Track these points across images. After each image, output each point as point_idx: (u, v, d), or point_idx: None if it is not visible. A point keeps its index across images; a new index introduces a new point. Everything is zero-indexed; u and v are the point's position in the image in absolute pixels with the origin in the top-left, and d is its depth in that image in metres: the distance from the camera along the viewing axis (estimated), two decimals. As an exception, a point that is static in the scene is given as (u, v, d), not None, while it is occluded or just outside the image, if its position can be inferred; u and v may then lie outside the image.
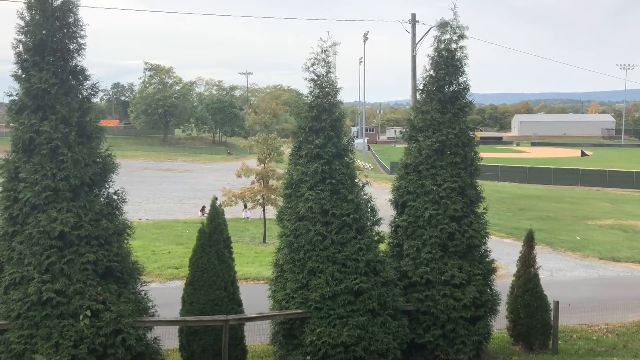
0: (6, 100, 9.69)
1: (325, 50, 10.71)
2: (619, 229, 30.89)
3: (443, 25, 11.72)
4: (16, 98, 9.42)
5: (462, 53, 11.76)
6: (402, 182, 11.88)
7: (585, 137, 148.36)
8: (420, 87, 12.08)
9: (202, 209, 32.27)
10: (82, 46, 9.66)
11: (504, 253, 22.24)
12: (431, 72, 11.86)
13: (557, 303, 12.60)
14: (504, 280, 15.52)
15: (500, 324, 12.48)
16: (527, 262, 12.61)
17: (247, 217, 31.97)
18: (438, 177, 11.47)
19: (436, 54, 11.80)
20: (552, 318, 12.55)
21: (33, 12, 9.33)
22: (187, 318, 10.14)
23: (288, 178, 11.02)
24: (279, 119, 34.47)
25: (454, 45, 11.73)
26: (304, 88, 11.14)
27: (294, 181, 10.79)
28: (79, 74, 9.67)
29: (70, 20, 9.51)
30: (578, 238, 27.42)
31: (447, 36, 11.74)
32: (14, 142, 9.37)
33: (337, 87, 10.86)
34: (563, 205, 40.27)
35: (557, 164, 75.06)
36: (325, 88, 10.78)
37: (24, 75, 9.34)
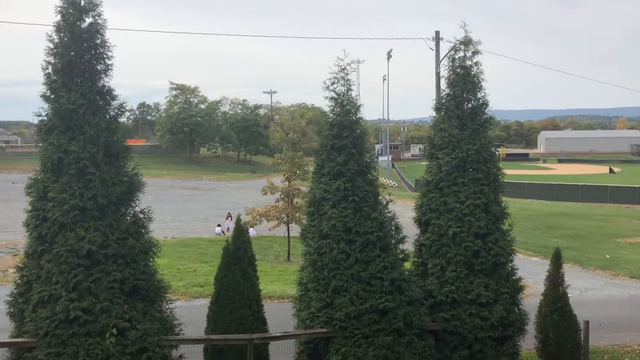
0: (35, 120, 9.89)
1: (343, 69, 10.70)
2: (650, 247, 30.18)
3: (467, 43, 11.71)
4: (45, 118, 9.61)
5: (478, 69, 11.73)
6: (424, 200, 11.79)
7: (614, 153, 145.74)
8: (438, 105, 12.06)
9: (228, 219, 33.08)
10: (110, 67, 9.84)
11: (531, 272, 21.83)
12: (447, 90, 11.86)
13: (587, 323, 12.31)
14: (532, 299, 15.23)
15: (528, 344, 12.22)
16: (555, 281, 12.37)
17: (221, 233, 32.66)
18: (460, 194, 11.36)
19: (452, 72, 11.79)
20: (582, 338, 12.26)
21: (62, 35, 9.52)
22: (212, 337, 10.13)
23: (311, 196, 11.02)
24: (306, 137, 34.57)
25: (468, 62, 11.70)
26: (327, 107, 11.19)
27: (316, 199, 10.79)
28: (107, 94, 9.84)
29: (98, 41, 9.69)
30: (608, 256, 26.84)
31: (460, 54, 11.74)
32: (43, 161, 9.53)
33: (358, 104, 10.84)
34: (592, 223, 39.51)
35: (585, 180, 73.80)
36: (346, 106, 10.77)
37: (52, 96, 9.52)
